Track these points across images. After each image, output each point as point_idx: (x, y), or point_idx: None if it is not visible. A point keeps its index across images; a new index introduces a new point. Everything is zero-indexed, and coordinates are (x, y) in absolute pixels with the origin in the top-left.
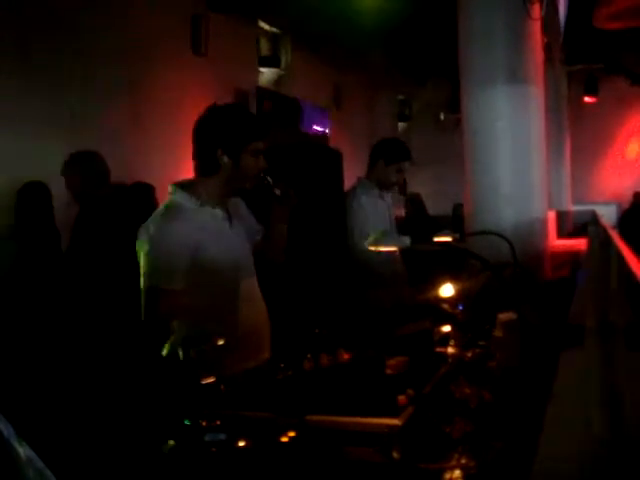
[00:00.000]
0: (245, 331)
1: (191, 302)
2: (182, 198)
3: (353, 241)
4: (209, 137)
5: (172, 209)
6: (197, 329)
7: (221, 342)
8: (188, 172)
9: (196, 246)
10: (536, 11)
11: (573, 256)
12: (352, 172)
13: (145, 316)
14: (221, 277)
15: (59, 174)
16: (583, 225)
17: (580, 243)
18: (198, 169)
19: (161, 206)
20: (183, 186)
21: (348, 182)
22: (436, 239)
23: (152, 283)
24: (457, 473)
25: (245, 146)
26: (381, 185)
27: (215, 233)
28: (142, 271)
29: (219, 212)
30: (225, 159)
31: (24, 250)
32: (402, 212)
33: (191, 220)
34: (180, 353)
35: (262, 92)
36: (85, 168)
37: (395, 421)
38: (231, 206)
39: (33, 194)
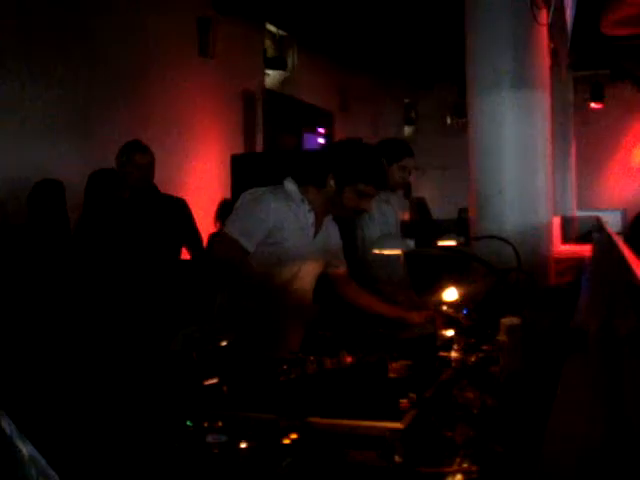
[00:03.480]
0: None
1: (249, 272)
2: (291, 188)
3: (358, 244)
4: (330, 159)
5: (280, 190)
6: (241, 300)
7: (224, 343)
8: (193, 174)
9: (277, 227)
10: (543, 17)
11: (578, 262)
12: None
13: (209, 256)
14: (283, 259)
15: (62, 174)
16: (588, 231)
17: (585, 249)
18: (307, 176)
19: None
20: (294, 181)
21: None
22: (440, 243)
23: (230, 231)
24: (459, 478)
25: (352, 183)
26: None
27: (298, 227)
28: (229, 218)
29: (311, 217)
30: (332, 183)
31: (36, 247)
32: (407, 216)
33: (287, 206)
34: (182, 353)
35: (268, 94)
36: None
37: (397, 425)
38: (326, 224)
39: (47, 191)
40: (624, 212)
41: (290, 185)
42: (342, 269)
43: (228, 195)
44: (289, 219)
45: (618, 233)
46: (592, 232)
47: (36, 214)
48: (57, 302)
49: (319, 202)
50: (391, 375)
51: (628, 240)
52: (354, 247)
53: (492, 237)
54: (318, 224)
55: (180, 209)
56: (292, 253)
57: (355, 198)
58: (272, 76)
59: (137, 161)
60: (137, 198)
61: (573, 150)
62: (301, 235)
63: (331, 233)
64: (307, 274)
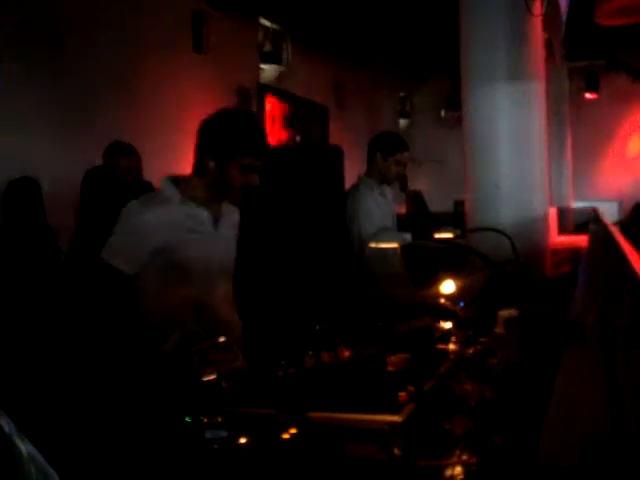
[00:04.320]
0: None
1: (149, 290)
2: (167, 189)
3: (354, 238)
4: (204, 139)
5: (153, 197)
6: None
7: (222, 339)
8: (188, 170)
9: (162, 238)
10: (537, 7)
11: (574, 253)
12: (353, 169)
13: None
14: (186, 274)
15: (56, 172)
16: (584, 222)
17: (581, 240)
18: (193, 166)
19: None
20: (173, 179)
21: (349, 179)
22: (437, 236)
23: (103, 255)
24: (458, 470)
25: (233, 158)
26: (382, 180)
27: (188, 231)
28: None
29: (202, 212)
30: (211, 165)
31: (14, 247)
32: (403, 209)
33: (166, 212)
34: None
35: (263, 89)
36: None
37: (396, 418)
38: (226, 211)
39: (22, 189)
40: (620, 202)
41: (167, 186)
42: None
43: None
44: (168, 225)
45: (614, 223)
46: (588, 223)
47: (12, 213)
48: (50, 298)
49: (206, 192)
50: (389, 368)
51: (626, 230)
52: (350, 242)
53: (488, 229)
54: (216, 217)
55: None
56: (190, 263)
57: (240, 175)
58: (267, 71)
59: (122, 165)
60: (130, 195)
61: (569, 141)
62: (193, 236)
63: (233, 220)
64: (223, 282)
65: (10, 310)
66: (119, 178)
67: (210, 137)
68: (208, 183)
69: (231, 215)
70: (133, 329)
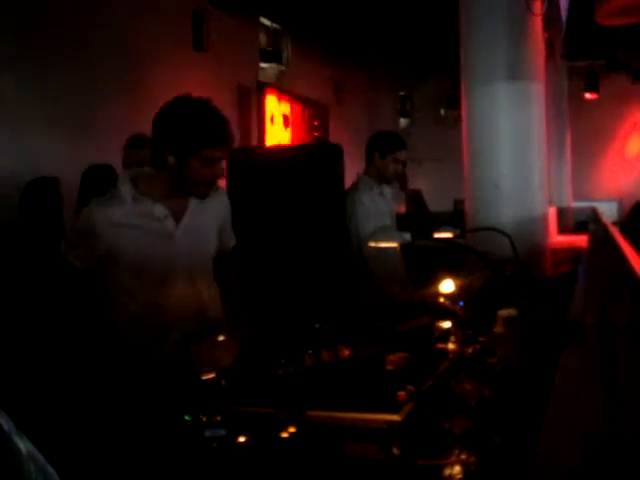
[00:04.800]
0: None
1: (111, 292)
2: (123, 186)
3: (353, 238)
4: (160, 132)
5: (108, 198)
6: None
7: (221, 338)
8: None
9: (110, 239)
10: (537, 7)
11: (574, 252)
12: (352, 168)
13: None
14: (137, 271)
15: (55, 171)
16: (584, 222)
17: (581, 240)
18: (150, 161)
19: None
20: (133, 175)
21: (348, 178)
22: (436, 235)
23: (61, 248)
24: (457, 469)
25: (194, 152)
26: (381, 179)
27: (138, 230)
28: None
29: (159, 209)
30: (171, 160)
31: (29, 246)
32: (402, 208)
33: (115, 211)
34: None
35: (263, 87)
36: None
37: (395, 417)
38: (197, 205)
39: (42, 189)
40: (620, 202)
41: (122, 183)
42: (225, 247)
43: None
44: (121, 224)
45: (614, 223)
46: (588, 222)
47: (30, 213)
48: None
49: (165, 187)
50: (389, 367)
51: (625, 230)
52: (349, 241)
53: (488, 229)
54: (179, 213)
55: None
56: (147, 258)
57: (202, 167)
58: (267, 69)
59: (142, 157)
60: None
61: (568, 141)
62: (150, 235)
63: (211, 210)
64: (187, 279)
65: (20, 310)
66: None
67: (167, 129)
68: (168, 178)
69: (210, 203)
70: (89, 324)
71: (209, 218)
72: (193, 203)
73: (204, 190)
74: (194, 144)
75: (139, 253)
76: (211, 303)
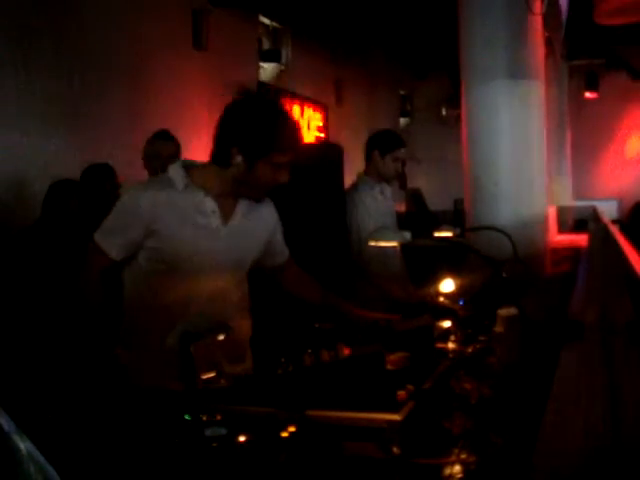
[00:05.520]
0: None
1: (139, 278)
2: (175, 174)
3: (354, 237)
4: (230, 130)
5: (157, 181)
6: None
7: (221, 337)
8: None
9: (154, 222)
10: (537, 6)
11: (574, 252)
12: (353, 167)
13: (82, 268)
14: (173, 264)
15: (54, 170)
16: (584, 221)
17: (581, 239)
18: (211, 153)
19: None
20: (186, 164)
21: (348, 177)
22: (437, 234)
23: (96, 238)
24: (457, 468)
25: (266, 155)
26: (381, 178)
27: (185, 219)
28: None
29: (210, 203)
30: (238, 159)
31: (49, 246)
32: (402, 207)
33: (164, 196)
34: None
35: (263, 87)
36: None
37: (395, 416)
38: (246, 208)
39: (65, 190)
40: (620, 201)
41: (175, 170)
42: (284, 257)
43: None
44: (167, 210)
45: (614, 222)
46: (588, 222)
47: (52, 213)
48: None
49: (225, 185)
50: (389, 367)
51: (625, 229)
52: (349, 240)
53: (488, 228)
54: (227, 211)
55: None
56: (184, 252)
57: (270, 172)
58: (267, 69)
59: (159, 150)
60: None
61: (568, 139)
62: (193, 228)
63: (260, 219)
64: (220, 280)
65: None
66: (165, 163)
67: (239, 129)
68: (230, 176)
69: (259, 209)
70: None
71: (256, 224)
72: (243, 205)
73: (262, 194)
74: (267, 147)
75: (180, 241)
76: (236, 308)
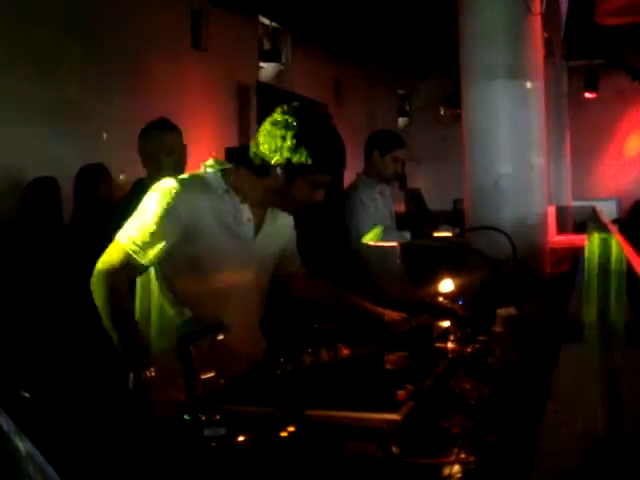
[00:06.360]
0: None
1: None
2: (213, 178)
3: (353, 237)
4: (277, 140)
5: (195, 181)
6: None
7: (221, 337)
8: (187, 167)
9: (191, 226)
10: (537, 6)
11: (573, 252)
12: (352, 167)
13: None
14: (207, 270)
15: (54, 169)
16: (583, 221)
17: (580, 239)
18: (245, 158)
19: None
20: (222, 166)
21: (348, 177)
22: (436, 234)
23: (124, 242)
24: (456, 468)
25: (309, 173)
26: (381, 178)
27: (223, 223)
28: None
29: (247, 211)
30: (279, 171)
31: (29, 245)
32: (402, 207)
33: (206, 198)
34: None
35: (262, 87)
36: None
37: (394, 416)
38: (272, 216)
39: (42, 189)
40: (619, 201)
41: (212, 172)
42: (297, 266)
43: None
44: (207, 215)
45: (613, 222)
46: (587, 222)
47: (30, 212)
48: (57, 294)
49: (258, 193)
50: (388, 367)
51: (625, 229)
52: (348, 240)
53: (487, 228)
54: (258, 220)
55: None
56: (217, 260)
57: (308, 189)
58: (266, 69)
59: (167, 144)
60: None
61: (567, 140)
62: (229, 235)
63: (280, 227)
64: (246, 289)
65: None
66: (175, 154)
67: (287, 142)
68: (267, 187)
69: (280, 218)
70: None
71: (279, 233)
72: (270, 214)
73: (294, 209)
74: (313, 167)
75: (215, 249)
76: (257, 316)
